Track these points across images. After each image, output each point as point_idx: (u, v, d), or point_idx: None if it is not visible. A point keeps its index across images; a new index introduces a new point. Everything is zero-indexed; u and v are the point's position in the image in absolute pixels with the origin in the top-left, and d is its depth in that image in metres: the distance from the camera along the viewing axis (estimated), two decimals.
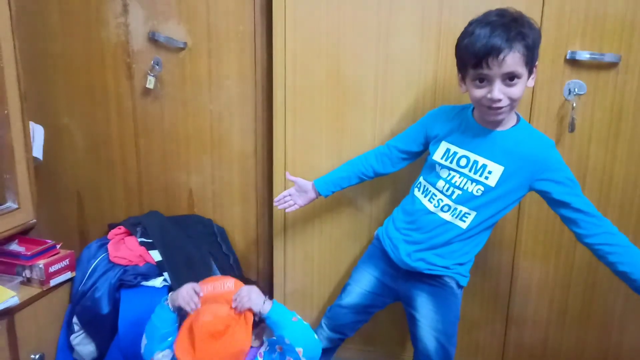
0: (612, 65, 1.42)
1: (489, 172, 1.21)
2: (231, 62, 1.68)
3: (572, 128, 1.44)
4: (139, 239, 1.62)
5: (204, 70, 1.70)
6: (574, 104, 1.43)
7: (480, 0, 1.42)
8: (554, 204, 1.23)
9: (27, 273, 1.50)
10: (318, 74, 1.56)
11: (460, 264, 1.30)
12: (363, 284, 1.41)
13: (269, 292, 1.80)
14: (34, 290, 1.49)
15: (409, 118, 1.54)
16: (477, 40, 1.10)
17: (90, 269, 1.57)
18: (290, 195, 1.47)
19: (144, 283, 1.54)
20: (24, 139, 1.53)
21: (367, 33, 1.51)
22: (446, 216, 1.26)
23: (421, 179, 1.35)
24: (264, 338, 1.19)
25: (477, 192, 1.22)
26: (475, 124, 1.24)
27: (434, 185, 1.29)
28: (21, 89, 1.49)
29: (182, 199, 1.85)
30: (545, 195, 1.23)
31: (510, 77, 1.11)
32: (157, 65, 1.70)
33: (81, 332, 1.55)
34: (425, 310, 1.31)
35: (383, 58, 1.52)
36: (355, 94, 1.56)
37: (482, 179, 1.21)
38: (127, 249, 1.59)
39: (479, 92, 1.15)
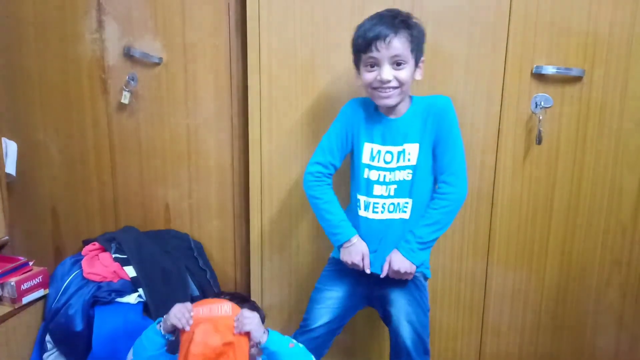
0: (576, 79, 1.47)
1: (409, 154, 1.29)
2: (207, 76, 1.69)
3: (539, 140, 1.48)
4: (113, 255, 1.61)
5: (180, 84, 1.71)
6: (541, 117, 1.48)
7: (449, 14, 1.47)
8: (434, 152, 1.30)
9: None
10: (293, 87, 1.58)
11: (424, 255, 1.35)
12: (331, 303, 1.39)
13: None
14: (5, 308, 1.47)
15: None
16: (367, 28, 1.23)
17: (64, 286, 1.55)
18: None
19: (119, 299, 1.53)
20: None
21: (340, 45, 1.53)
22: (394, 215, 1.31)
23: (359, 197, 1.34)
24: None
25: (408, 176, 1.30)
26: (383, 117, 1.32)
27: (372, 196, 1.32)
28: None
29: (158, 214, 1.84)
30: (434, 144, 1.30)
31: (397, 62, 1.22)
32: (133, 80, 1.71)
33: (54, 350, 1.52)
34: (400, 304, 1.34)
35: (349, 71, 1.54)
36: (331, 107, 1.58)
37: (407, 163, 1.29)
38: (101, 265, 1.58)
39: (370, 76, 1.24)
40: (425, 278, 1.40)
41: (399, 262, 1.28)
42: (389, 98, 1.25)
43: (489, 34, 1.47)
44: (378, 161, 1.30)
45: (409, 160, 1.29)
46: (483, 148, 1.54)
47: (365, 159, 1.31)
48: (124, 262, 1.58)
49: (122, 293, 1.53)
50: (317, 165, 1.35)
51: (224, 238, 1.83)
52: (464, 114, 1.52)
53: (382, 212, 1.31)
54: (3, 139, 1.57)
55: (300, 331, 1.41)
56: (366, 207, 1.33)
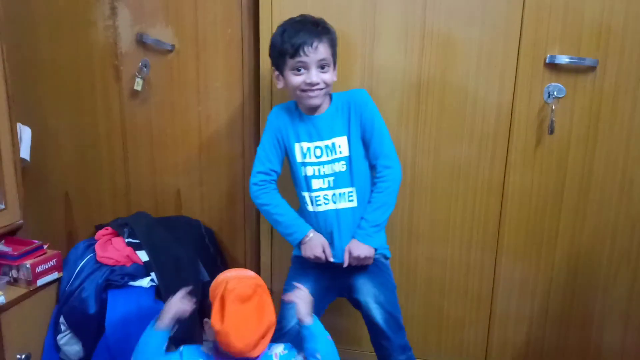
0: (590, 69, 1.46)
1: (339, 146, 1.37)
2: (219, 64, 1.70)
3: (551, 130, 1.48)
4: (126, 240, 1.63)
5: (192, 72, 1.72)
6: (553, 107, 1.47)
7: (462, 3, 1.46)
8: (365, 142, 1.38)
9: (13, 273, 1.50)
10: None
11: (380, 237, 1.41)
12: None
13: None
14: (21, 290, 1.49)
15: (393, 119, 1.57)
16: (293, 34, 1.29)
17: (78, 269, 1.58)
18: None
19: (131, 283, 1.55)
20: (12, 140, 1.54)
21: (352, 36, 1.54)
22: (339, 205, 1.38)
23: (303, 194, 1.41)
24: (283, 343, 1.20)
25: (342, 167, 1.37)
26: (306, 116, 1.39)
27: (313, 190, 1.39)
28: (9, 90, 1.50)
29: (170, 201, 1.86)
30: (362, 135, 1.38)
31: (322, 65, 1.31)
32: (145, 67, 1.72)
33: (68, 332, 1.55)
34: (366, 289, 1.40)
35: (368, 61, 1.55)
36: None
37: (339, 155, 1.37)
38: (114, 250, 1.60)
39: (298, 79, 1.31)
40: (386, 257, 1.47)
41: (358, 249, 1.35)
42: (316, 98, 1.34)
43: (502, 22, 1.46)
44: (310, 157, 1.38)
45: (340, 152, 1.37)
46: (494, 137, 1.54)
47: (299, 158, 1.39)
48: (136, 247, 1.61)
49: (134, 277, 1.55)
50: (259, 175, 1.42)
51: (234, 226, 1.84)
52: (476, 102, 1.53)
53: (326, 204, 1.38)
54: (18, 124, 1.59)
55: (277, 335, 1.38)
56: (312, 202, 1.40)
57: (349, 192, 1.38)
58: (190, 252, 1.69)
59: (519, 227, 1.60)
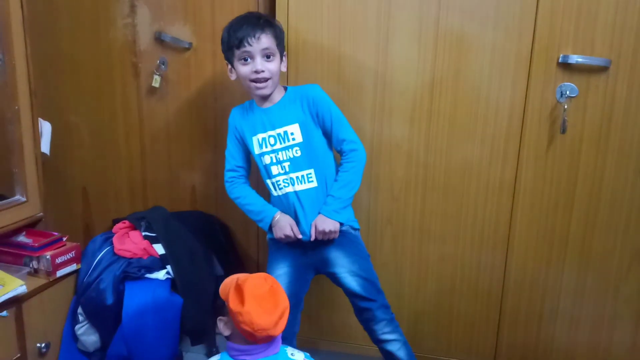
0: (602, 69, 1.47)
1: (292, 134, 1.45)
2: None
3: (563, 129, 1.49)
4: (143, 233, 1.66)
5: (209, 70, 1.76)
6: (566, 106, 1.48)
7: (476, 3, 1.48)
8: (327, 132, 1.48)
9: (34, 264, 1.54)
10: (320, 75, 1.61)
11: (345, 212, 1.49)
12: (282, 280, 1.48)
13: None
14: (41, 280, 1.53)
15: (406, 117, 1.59)
16: (237, 28, 1.39)
17: (96, 261, 1.61)
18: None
19: (148, 275, 1.58)
20: (33, 134, 1.58)
21: (367, 36, 1.56)
22: (299, 187, 1.46)
23: (267, 181, 1.51)
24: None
25: (297, 153, 1.45)
26: (260, 109, 1.48)
27: (273, 176, 1.48)
28: (31, 86, 1.54)
29: (185, 196, 1.89)
30: (322, 126, 1.47)
31: (267, 55, 1.39)
32: (163, 64, 1.76)
33: (85, 322, 1.59)
34: (340, 261, 1.49)
35: (382, 59, 1.57)
36: (356, 95, 1.61)
37: (292, 142, 1.45)
38: (131, 242, 1.64)
39: (246, 69, 1.40)
40: (354, 229, 1.55)
41: (323, 223, 1.44)
42: (265, 88, 1.42)
43: (515, 22, 1.47)
44: (266, 146, 1.47)
45: (293, 139, 1.45)
46: (506, 136, 1.55)
47: (257, 150, 1.49)
48: (153, 240, 1.64)
49: (151, 269, 1.59)
50: (228, 173, 1.55)
51: (248, 221, 1.85)
52: (489, 101, 1.54)
53: (287, 187, 1.47)
54: (39, 119, 1.63)
55: None
56: (274, 188, 1.49)
57: (307, 174, 1.46)
58: (205, 247, 1.72)
59: (530, 226, 1.61)
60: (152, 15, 1.75)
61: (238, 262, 1.84)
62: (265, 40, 1.39)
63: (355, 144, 1.47)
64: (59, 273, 1.56)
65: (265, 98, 1.46)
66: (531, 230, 1.61)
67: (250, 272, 1.86)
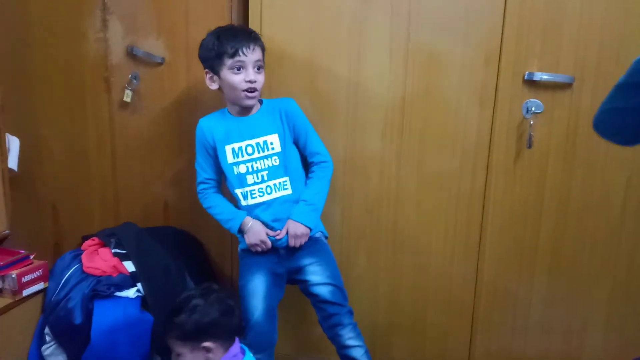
0: (567, 86, 1.52)
1: (272, 143, 1.49)
2: None
3: (529, 144, 1.53)
4: (113, 250, 1.63)
5: (182, 84, 1.75)
6: (532, 122, 1.52)
7: (445, 20, 1.52)
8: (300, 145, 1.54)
9: None
10: (293, 90, 1.62)
11: (317, 218, 1.54)
12: (259, 290, 1.50)
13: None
14: (6, 300, 1.49)
15: (378, 131, 1.61)
16: (231, 37, 1.42)
17: (64, 280, 1.57)
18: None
19: (118, 293, 1.55)
20: (0, 150, 1.55)
21: (340, 50, 1.58)
22: (274, 195, 1.49)
23: (236, 191, 1.51)
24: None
25: (275, 162, 1.48)
26: (237, 118, 1.51)
27: (247, 185, 1.49)
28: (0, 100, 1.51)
29: (158, 211, 1.87)
30: (296, 138, 1.53)
31: (258, 67, 1.44)
32: (135, 79, 1.74)
33: (53, 342, 1.55)
34: (311, 268, 1.52)
35: (355, 73, 1.59)
36: (329, 110, 1.62)
37: (271, 151, 1.49)
38: (100, 260, 1.61)
39: (238, 78, 1.42)
40: (325, 237, 1.60)
41: (294, 227, 1.47)
42: (253, 99, 1.46)
43: (483, 40, 1.51)
44: (242, 155, 1.49)
45: (272, 149, 1.49)
46: (476, 150, 1.59)
47: (230, 159, 1.50)
48: (123, 257, 1.61)
49: (121, 287, 1.55)
50: (199, 186, 1.57)
51: (222, 237, 1.85)
52: (458, 116, 1.57)
53: (262, 196, 1.49)
54: (6, 134, 1.59)
55: (247, 332, 1.48)
56: (245, 197, 1.50)
57: (283, 182, 1.50)
58: (177, 263, 1.70)
59: (501, 237, 1.64)
60: (124, 29, 1.74)
61: (211, 278, 1.82)
62: (258, 52, 1.44)
63: (326, 157, 1.55)
64: (26, 292, 1.52)
65: (246, 108, 1.49)
66: (501, 241, 1.65)
67: (224, 286, 1.86)
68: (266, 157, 1.48)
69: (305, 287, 1.53)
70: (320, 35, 1.58)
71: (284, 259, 1.52)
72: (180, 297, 1.34)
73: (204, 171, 1.55)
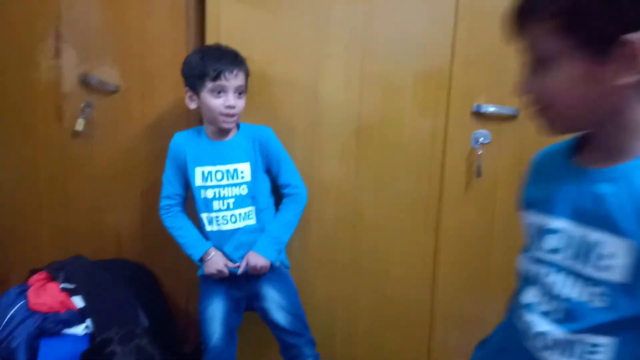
0: (513, 117, 1.60)
1: (242, 172, 1.47)
2: (164, 105, 1.72)
3: (479, 173, 1.60)
4: (61, 285, 1.56)
5: (137, 113, 1.73)
6: (480, 152, 1.59)
7: (396, 53, 1.58)
8: (273, 174, 1.53)
9: None
10: (252, 117, 1.62)
11: (279, 252, 1.53)
12: (217, 314, 1.51)
13: (197, 339, 1.78)
14: None
15: (336, 158, 1.64)
16: (215, 60, 1.40)
17: (7, 318, 1.48)
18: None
19: (66, 331, 1.48)
20: None
21: (298, 79, 1.62)
22: (239, 224, 1.48)
23: (201, 215, 1.50)
24: None
25: (243, 191, 1.47)
26: (211, 141, 1.49)
27: (213, 211, 1.47)
28: None
29: (110, 243, 1.81)
30: (269, 168, 1.52)
31: (240, 92, 1.43)
32: (88, 107, 1.71)
33: None
34: (271, 295, 1.52)
35: (312, 102, 1.62)
36: (287, 136, 1.62)
37: (240, 180, 1.47)
38: (48, 295, 1.53)
39: (217, 102, 1.41)
40: (286, 267, 1.60)
41: (255, 259, 1.47)
42: (231, 123, 1.45)
43: (433, 73, 1.58)
44: (211, 180, 1.47)
45: (242, 177, 1.47)
46: (429, 178, 1.64)
47: (198, 181, 1.48)
48: (72, 292, 1.54)
49: (69, 324, 1.48)
50: (164, 200, 1.53)
51: (176, 269, 1.81)
52: (411, 146, 1.62)
53: (226, 224, 1.48)
54: None
55: (205, 355, 1.50)
56: (210, 222, 1.49)
57: (248, 212, 1.48)
58: (129, 297, 1.64)
59: (454, 263, 1.68)
60: (78, 57, 1.70)
61: (165, 312, 1.77)
62: (241, 78, 1.42)
63: (299, 188, 1.54)
64: None
65: (223, 131, 1.47)
66: (455, 267, 1.69)
67: (179, 321, 1.81)
68: (234, 184, 1.47)
69: (264, 315, 1.52)
70: (278, 65, 1.61)
71: (242, 285, 1.51)
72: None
73: (171, 185, 1.52)
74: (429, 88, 1.59)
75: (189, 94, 1.46)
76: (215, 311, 1.50)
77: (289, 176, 1.53)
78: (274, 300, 1.51)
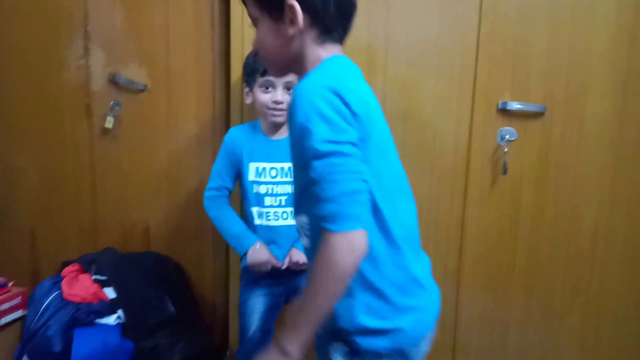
0: (539, 114, 1.57)
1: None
2: (189, 104, 1.75)
3: (505, 171, 1.58)
4: (93, 277, 1.63)
5: (163, 111, 1.76)
6: (506, 149, 1.57)
7: (418, 54, 1.57)
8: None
9: None
10: None
11: None
12: (258, 308, 1.51)
13: (223, 331, 1.83)
14: None
15: None
16: None
17: (43, 307, 1.56)
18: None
19: (98, 321, 1.54)
20: None
21: None
22: (289, 222, 1.48)
23: (252, 209, 1.50)
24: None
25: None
26: (267, 138, 1.50)
27: (264, 206, 1.48)
28: None
29: (138, 237, 1.86)
30: None
31: (288, 87, 1.43)
32: (117, 106, 1.75)
33: None
34: None
35: None
36: None
37: (292, 179, 1.42)
38: (80, 287, 1.60)
39: (265, 97, 1.43)
40: None
41: (297, 255, 1.47)
42: (281, 117, 1.45)
43: (456, 73, 1.57)
44: (264, 177, 1.48)
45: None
46: (452, 177, 1.63)
47: (252, 176, 1.49)
48: (103, 284, 1.61)
49: (101, 314, 1.55)
50: (211, 191, 1.53)
51: (203, 262, 1.86)
52: (435, 144, 1.61)
53: (276, 220, 1.48)
54: None
55: (241, 346, 1.52)
56: (260, 216, 1.50)
57: None
58: (159, 289, 1.70)
59: (477, 261, 1.68)
60: (106, 57, 1.75)
61: (192, 303, 1.82)
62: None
63: None
64: (3, 320, 1.51)
65: (276, 126, 1.48)
66: (479, 264, 1.68)
67: (206, 312, 1.86)
68: (288, 182, 1.48)
69: None
70: None
71: (284, 280, 1.52)
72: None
73: (220, 178, 1.52)
74: (452, 86, 1.57)
75: (245, 89, 1.49)
76: (255, 305, 1.51)
77: None
78: None
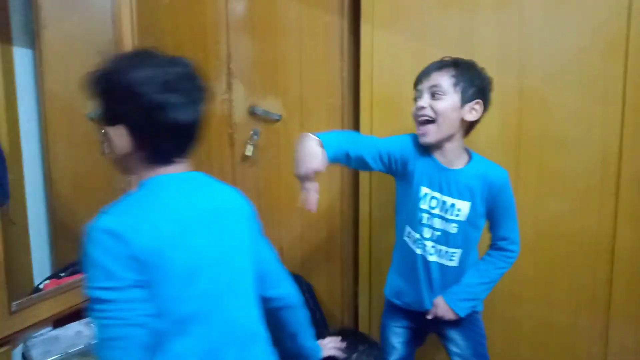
0: None
1: (458, 210, 1.32)
2: (321, 130, 1.84)
3: None
4: None
5: (297, 138, 1.87)
6: None
7: (559, 64, 1.51)
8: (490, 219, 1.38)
9: None
10: (395, 132, 1.65)
11: (472, 308, 1.41)
12: (399, 338, 1.49)
13: None
14: None
15: None
16: (425, 68, 1.32)
17: None
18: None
19: None
20: None
21: None
22: (436, 259, 1.36)
23: (406, 226, 1.39)
24: None
25: (453, 229, 1.33)
26: (439, 164, 1.33)
27: (421, 235, 1.35)
28: None
29: None
30: (489, 212, 1.36)
31: (434, 93, 1.27)
32: (255, 135, 1.91)
33: None
34: (457, 341, 1.43)
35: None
36: None
37: (454, 217, 1.33)
38: None
39: (413, 108, 1.32)
40: (476, 312, 1.45)
41: (444, 310, 1.37)
42: (426, 135, 1.29)
43: (601, 85, 1.46)
44: (424, 204, 1.34)
45: (457, 215, 1.33)
46: (600, 193, 1.51)
47: (424, 205, 1.34)
48: None
49: None
50: (373, 140, 1.40)
51: (332, 281, 1.92)
52: (580, 159, 1.52)
53: (430, 255, 1.36)
54: None
55: None
56: (415, 243, 1.37)
57: (452, 252, 1.35)
58: None
59: (632, 287, 1.52)
60: (246, 91, 1.92)
61: (323, 321, 1.89)
62: (436, 78, 1.27)
63: (515, 245, 1.38)
64: None
65: (449, 155, 1.31)
66: (633, 291, 1.52)
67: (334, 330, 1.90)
68: (446, 220, 1.33)
69: (445, 348, 1.48)
70: None
71: (427, 322, 1.43)
72: None
73: (388, 147, 1.33)
74: (596, 103, 1.47)
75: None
76: (396, 333, 1.49)
77: (510, 230, 1.37)
78: (458, 347, 1.43)
